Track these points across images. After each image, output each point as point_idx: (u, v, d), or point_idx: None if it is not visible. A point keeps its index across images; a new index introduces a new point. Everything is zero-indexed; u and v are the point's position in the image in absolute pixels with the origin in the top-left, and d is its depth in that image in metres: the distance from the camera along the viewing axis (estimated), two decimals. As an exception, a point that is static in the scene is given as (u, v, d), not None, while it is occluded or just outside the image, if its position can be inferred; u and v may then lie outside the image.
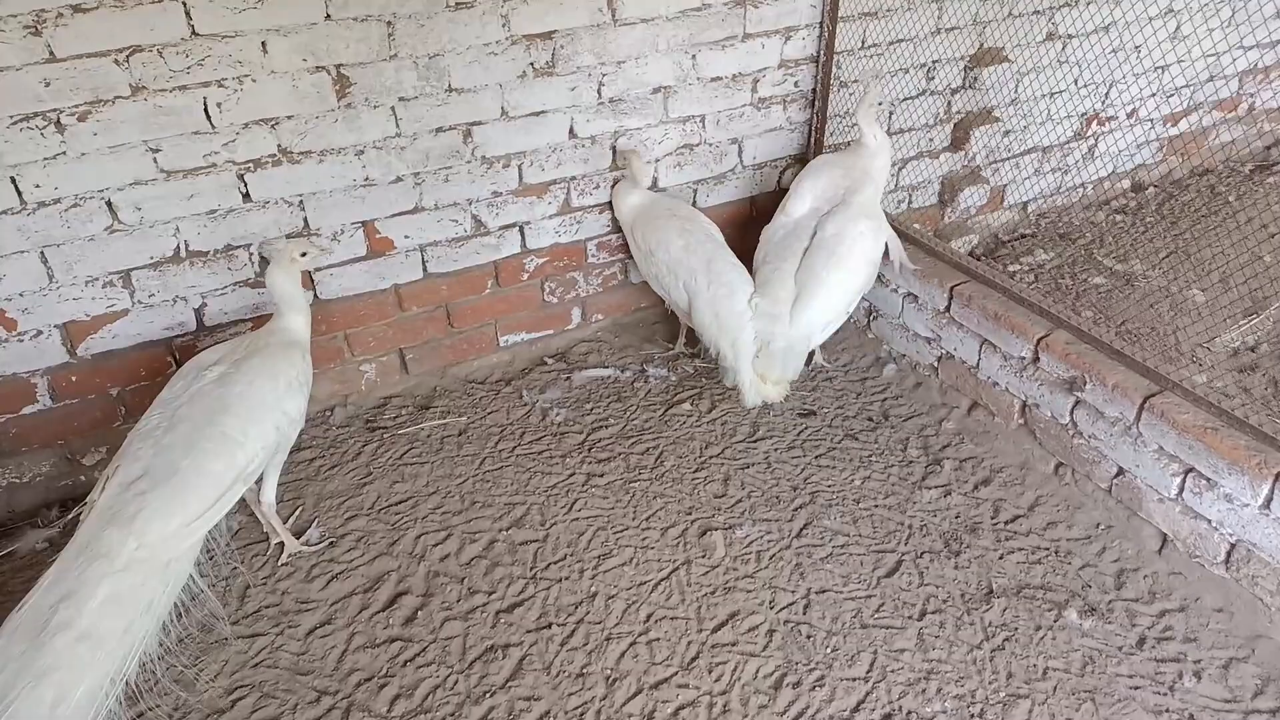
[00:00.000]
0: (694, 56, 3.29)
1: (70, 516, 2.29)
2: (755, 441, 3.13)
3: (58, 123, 2.46)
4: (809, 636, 2.45)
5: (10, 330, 2.66)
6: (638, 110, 3.29)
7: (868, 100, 3.16)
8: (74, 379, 2.81)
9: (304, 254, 2.69)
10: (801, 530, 2.77)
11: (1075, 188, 4.50)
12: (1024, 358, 2.97)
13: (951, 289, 3.15)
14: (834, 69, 3.53)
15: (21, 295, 2.63)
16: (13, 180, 2.47)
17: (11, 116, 2.40)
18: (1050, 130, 4.19)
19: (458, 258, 3.24)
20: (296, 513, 2.86)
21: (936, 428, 3.18)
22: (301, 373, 2.62)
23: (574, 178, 3.30)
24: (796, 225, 3.23)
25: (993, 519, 2.81)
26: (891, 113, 3.80)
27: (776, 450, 3.08)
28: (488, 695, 2.32)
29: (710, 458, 3.06)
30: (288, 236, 2.90)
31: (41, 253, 2.60)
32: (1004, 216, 4.34)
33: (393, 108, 2.87)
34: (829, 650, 2.41)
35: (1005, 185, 4.25)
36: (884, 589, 2.59)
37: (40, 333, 2.70)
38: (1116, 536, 2.74)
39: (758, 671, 2.36)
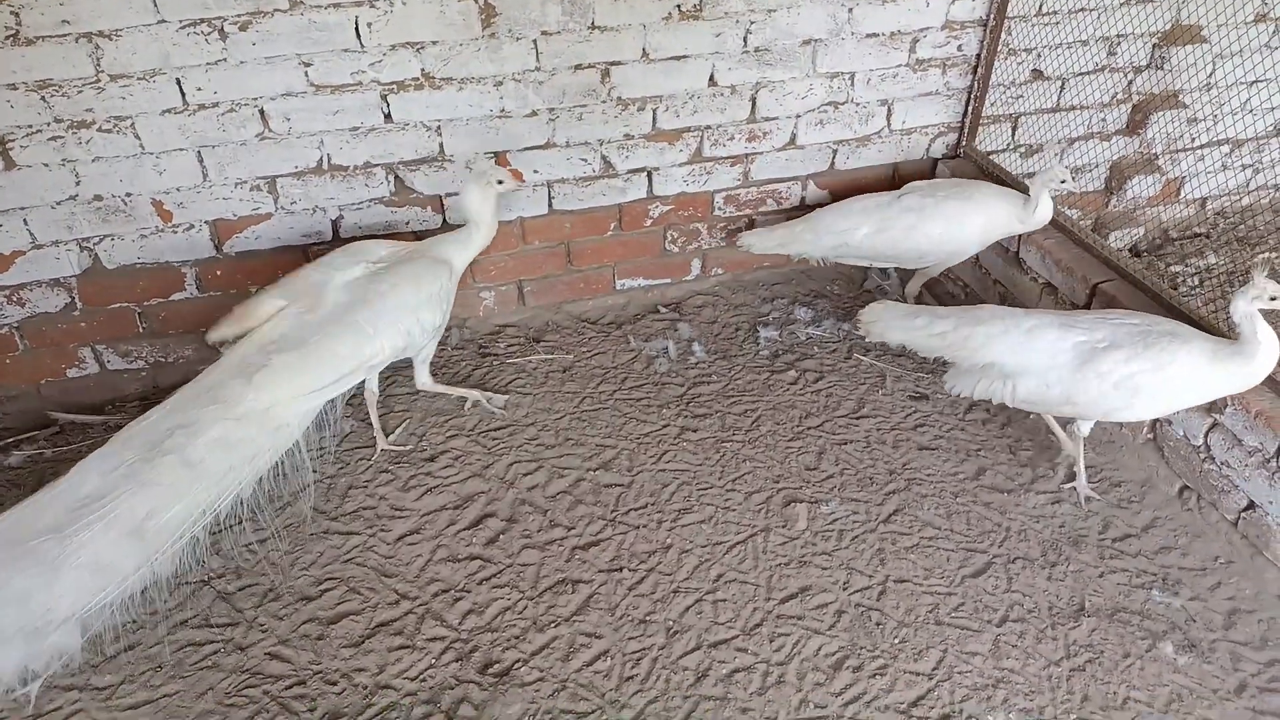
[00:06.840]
0: (850, 10, 3.14)
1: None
2: (858, 419, 3.04)
3: (221, 30, 2.60)
4: (879, 624, 2.39)
5: (166, 221, 2.87)
6: (783, 62, 3.17)
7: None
8: (218, 273, 3.01)
9: (500, 181, 2.77)
10: (890, 516, 2.69)
11: (1266, 188, 4.07)
12: (1164, 369, 2.73)
13: (1094, 286, 2.93)
14: (1003, 35, 3.29)
15: (179, 190, 2.83)
16: (178, 82, 2.64)
17: (180, 21, 2.55)
18: (1245, 122, 3.78)
19: (583, 197, 3.26)
20: (403, 425, 2.99)
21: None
22: (444, 288, 2.75)
23: (708, 127, 3.24)
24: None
25: (1100, 534, 2.64)
26: (1063, 87, 3.52)
27: (879, 430, 2.99)
28: (552, 625, 2.39)
29: (808, 429, 3.00)
30: (490, 154, 3.02)
31: (198, 153, 2.78)
32: (1177, 211, 3.98)
33: (534, 41, 2.88)
34: (897, 640, 2.35)
35: (1183, 177, 3.89)
36: (967, 589, 2.49)
37: (192, 227, 2.91)
38: (1235, 574, 2.52)
39: (820, 649, 2.33)
